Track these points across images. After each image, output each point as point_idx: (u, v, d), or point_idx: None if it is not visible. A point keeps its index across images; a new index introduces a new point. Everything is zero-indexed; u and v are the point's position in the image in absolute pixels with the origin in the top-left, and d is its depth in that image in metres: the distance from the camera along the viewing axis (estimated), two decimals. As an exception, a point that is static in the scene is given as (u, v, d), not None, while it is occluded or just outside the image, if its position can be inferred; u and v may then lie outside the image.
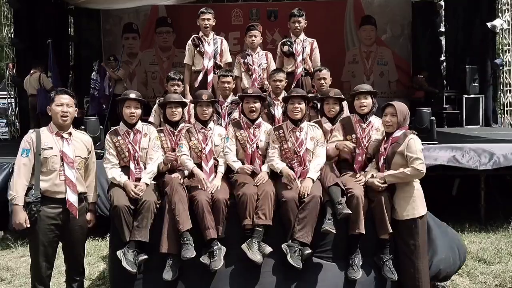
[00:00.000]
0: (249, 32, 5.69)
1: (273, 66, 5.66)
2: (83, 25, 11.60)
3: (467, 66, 10.20)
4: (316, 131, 4.26)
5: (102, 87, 8.35)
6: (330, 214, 3.92)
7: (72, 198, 3.60)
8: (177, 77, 5.21)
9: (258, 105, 4.29)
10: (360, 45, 11.98)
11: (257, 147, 4.25)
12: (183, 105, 4.45)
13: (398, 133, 3.94)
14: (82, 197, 3.74)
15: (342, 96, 4.59)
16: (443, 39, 12.08)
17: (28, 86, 8.54)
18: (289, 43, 5.69)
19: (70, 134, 3.72)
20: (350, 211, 3.83)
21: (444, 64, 12.07)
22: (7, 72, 9.82)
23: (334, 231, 3.83)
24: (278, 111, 5.06)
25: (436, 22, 11.86)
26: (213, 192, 3.99)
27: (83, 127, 6.36)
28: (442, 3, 11.53)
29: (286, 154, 4.16)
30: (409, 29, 11.92)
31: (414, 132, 3.97)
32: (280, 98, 5.08)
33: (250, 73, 5.61)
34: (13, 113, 9.92)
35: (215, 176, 4.15)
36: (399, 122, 3.94)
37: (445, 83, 11.87)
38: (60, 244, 3.76)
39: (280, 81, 5.12)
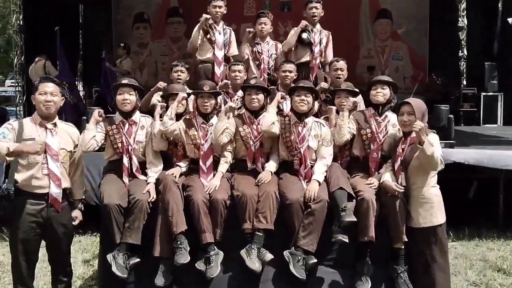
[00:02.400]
0: (258, 20, 5.26)
1: (282, 57, 5.21)
2: (94, 14, 11.26)
3: (486, 63, 9.64)
4: (322, 129, 3.83)
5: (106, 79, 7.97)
6: (338, 220, 3.50)
7: (56, 192, 3.25)
8: (181, 63, 4.80)
9: (261, 96, 3.87)
10: (375, 39, 11.43)
11: (261, 145, 3.82)
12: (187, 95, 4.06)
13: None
14: (67, 192, 3.38)
15: (355, 89, 4.15)
16: (461, 34, 11.46)
17: (33, 75, 8.22)
18: (308, 31, 5.20)
19: (55, 125, 3.34)
20: (354, 219, 3.43)
21: (463, 60, 11.48)
22: (16, 59, 9.50)
23: (347, 241, 3.42)
24: (287, 106, 4.58)
25: (455, 17, 11.27)
26: (211, 192, 3.59)
27: (85, 117, 6.01)
28: (463, -3, 10.91)
29: (287, 143, 3.76)
30: (426, 23, 11.32)
31: (433, 131, 3.52)
32: (288, 91, 4.66)
33: (258, 62, 5.17)
34: (20, 101, 9.61)
35: (214, 175, 3.74)
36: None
37: (463, 80, 11.29)
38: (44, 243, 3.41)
39: (290, 72, 4.69)
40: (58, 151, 3.28)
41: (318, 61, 5.18)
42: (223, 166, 3.80)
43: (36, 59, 8.30)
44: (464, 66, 11.52)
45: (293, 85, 4.52)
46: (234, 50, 5.29)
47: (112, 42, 10.84)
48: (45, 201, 3.22)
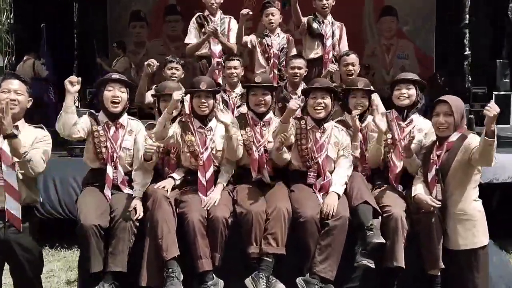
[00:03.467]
0: (265, 11, 4.52)
1: (293, 51, 4.51)
2: (89, 13, 10.57)
3: (497, 61, 8.95)
4: (343, 136, 3.18)
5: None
6: (362, 241, 2.84)
7: (13, 208, 2.62)
8: (176, 59, 4.14)
9: (268, 98, 3.19)
10: (379, 37, 10.77)
11: (266, 151, 3.14)
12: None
13: (454, 137, 2.85)
14: (32, 209, 2.75)
15: (372, 88, 3.49)
16: (467, 32, 10.78)
17: (21, 74, 7.53)
18: (318, 22, 4.51)
19: (17, 128, 2.69)
20: (383, 240, 2.77)
21: (469, 59, 10.80)
22: (6, 59, 8.82)
23: (373, 266, 2.76)
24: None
25: (461, 14, 10.61)
26: (209, 208, 2.93)
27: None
28: (469, -7, 10.25)
29: (303, 151, 3.11)
30: (432, 21, 10.67)
31: (474, 132, 2.87)
32: (298, 91, 3.99)
33: (267, 56, 4.46)
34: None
35: (214, 189, 3.08)
36: (456, 122, 2.84)
37: (468, 78, 10.62)
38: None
39: (299, 68, 3.99)
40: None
41: (331, 55, 4.48)
42: (224, 177, 3.14)
43: (25, 58, 7.63)
44: (471, 64, 10.86)
45: (305, 85, 3.90)
46: (233, 38, 4.53)
47: (107, 41, 10.20)
48: (2, 219, 2.59)
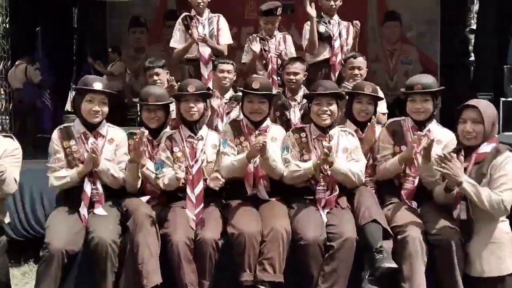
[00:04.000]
0: (265, 18, 4.02)
1: (291, 53, 4.07)
2: (88, 18, 10.20)
3: (505, 66, 8.50)
4: (350, 139, 2.77)
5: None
6: (370, 265, 2.43)
7: None
8: (158, 64, 3.71)
9: (265, 106, 2.78)
10: (382, 42, 10.35)
11: (262, 156, 2.68)
12: (165, 105, 2.92)
13: (485, 148, 2.42)
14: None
15: (381, 95, 3.07)
16: (472, 37, 10.36)
17: (13, 79, 7.17)
18: (324, 23, 4.04)
19: None
20: (395, 265, 2.37)
21: (474, 64, 10.37)
22: (1, 65, 8.44)
23: None
24: (294, 115, 3.54)
25: (467, 19, 10.19)
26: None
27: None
28: (475, -3, 9.85)
29: None
30: (437, 26, 10.22)
31: (509, 147, 2.45)
32: (298, 97, 3.58)
33: (264, 62, 4.00)
34: (5, 110, 8.53)
35: (204, 207, 2.65)
36: (486, 131, 2.42)
37: (474, 84, 10.18)
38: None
39: (295, 74, 3.54)
40: None
41: (339, 57, 4.04)
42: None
43: (17, 62, 7.25)
44: (476, 70, 10.42)
45: (306, 90, 3.49)
46: (224, 39, 4.05)
47: (107, 46, 9.84)
48: None
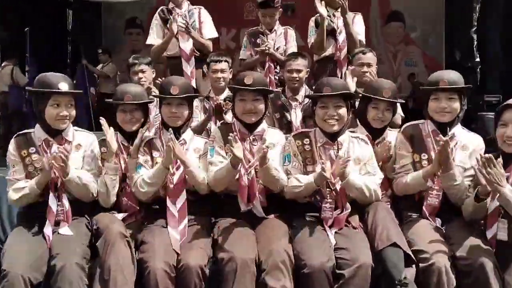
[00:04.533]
0: (263, 11, 3.61)
1: (293, 49, 3.60)
2: (83, 20, 9.79)
3: (514, 66, 8.03)
4: (363, 148, 2.30)
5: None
6: (389, 296, 1.97)
7: None
8: (143, 61, 3.26)
9: (261, 105, 2.31)
10: (385, 43, 9.93)
11: (261, 165, 2.21)
12: (144, 105, 2.48)
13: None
14: None
15: (400, 100, 2.60)
16: (475, 37, 9.91)
17: (-3, 81, 6.74)
18: (328, 16, 3.52)
19: None
20: None
21: (479, 66, 9.92)
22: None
23: None
24: (296, 117, 3.09)
25: (472, 19, 9.74)
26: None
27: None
28: (479, -3, 9.40)
29: None
30: (441, 26, 9.81)
31: None
32: (299, 96, 3.13)
33: (262, 59, 3.54)
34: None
35: (187, 223, 2.20)
36: None
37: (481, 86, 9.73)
38: None
39: (299, 71, 3.09)
40: None
41: (345, 51, 3.56)
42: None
43: (3, 64, 6.83)
44: (481, 71, 9.98)
45: (307, 89, 3.05)
46: (208, 33, 3.56)
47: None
48: None
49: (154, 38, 3.53)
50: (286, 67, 3.14)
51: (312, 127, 2.45)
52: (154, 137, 2.36)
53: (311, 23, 3.69)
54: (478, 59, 9.95)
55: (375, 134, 2.43)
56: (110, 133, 2.30)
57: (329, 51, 3.58)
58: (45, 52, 7.81)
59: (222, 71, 3.12)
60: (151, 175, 2.20)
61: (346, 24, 3.45)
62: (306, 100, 3.06)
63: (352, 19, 3.59)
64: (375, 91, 2.44)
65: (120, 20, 9.80)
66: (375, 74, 3.08)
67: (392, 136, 2.43)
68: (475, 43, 9.94)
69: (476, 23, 9.71)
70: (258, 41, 3.56)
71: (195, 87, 3.37)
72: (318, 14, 3.64)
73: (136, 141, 2.31)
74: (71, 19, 10.07)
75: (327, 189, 2.19)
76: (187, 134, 2.35)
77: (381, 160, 2.34)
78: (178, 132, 2.30)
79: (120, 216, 2.24)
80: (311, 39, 3.59)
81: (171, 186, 2.20)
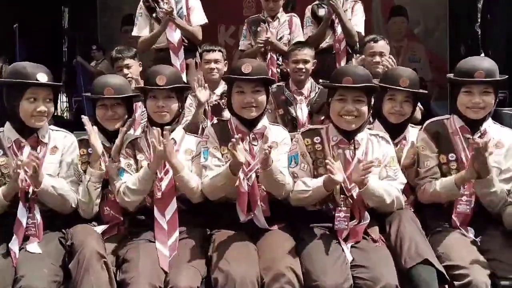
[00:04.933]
0: None
1: (298, 38, 3.22)
2: (79, 18, 9.48)
3: (521, 61, 7.68)
4: (384, 148, 1.95)
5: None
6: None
7: None
8: (128, 54, 2.87)
9: (261, 97, 1.95)
10: (388, 39, 9.51)
11: (263, 168, 1.85)
12: (128, 100, 2.12)
13: None
14: None
15: (422, 90, 2.20)
16: (479, 31, 9.57)
17: (-16, 81, 6.37)
18: (324, 5, 3.22)
19: None
20: None
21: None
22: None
23: None
24: (302, 112, 2.73)
25: (475, 12, 9.40)
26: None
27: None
28: (484, -9, 9.05)
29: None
30: (445, 21, 9.45)
31: None
32: (305, 90, 2.78)
33: (262, 49, 3.19)
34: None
35: (177, 240, 1.85)
36: None
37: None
38: None
39: (305, 62, 2.75)
40: None
41: (345, 43, 3.24)
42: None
43: (-9, 61, 6.46)
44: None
45: (313, 82, 2.72)
46: (197, 19, 3.17)
47: (98, 46, 9.09)
48: None
49: (140, 29, 3.15)
50: (291, 57, 2.78)
51: (320, 124, 2.11)
52: (138, 136, 2.01)
53: (307, 12, 3.36)
54: (483, 54, 9.61)
55: (394, 132, 2.07)
56: (94, 134, 1.96)
57: (326, 42, 3.24)
58: (37, 50, 7.50)
59: (216, 61, 2.80)
60: (135, 181, 1.86)
61: (340, 21, 3.14)
62: (313, 94, 2.72)
63: (351, 7, 3.26)
64: (391, 80, 2.08)
65: (116, 18, 9.50)
66: (394, 63, 2.73)
67: (413, 134, 2.09)
68: (480, 37, 9.63)
69: (480, 17, 9.40)
70: (259, 29, 3.22)
71: (185, 81, 3.03)
72: (315, 3, 3.32)
73: (117, 141, 1.96)
74: (66, 17, 9.78)
75: (341, 195, 1.84)
76: (177, 133, 2.00)
77: (405, 163, 1.98)
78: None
79: (100, 229, 1.89)
80: (307, 30, 3.28)
81: (159, 193, 1.86)
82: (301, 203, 1.88)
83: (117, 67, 2.89)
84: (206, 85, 2.60)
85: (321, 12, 3.27)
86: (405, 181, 1.92)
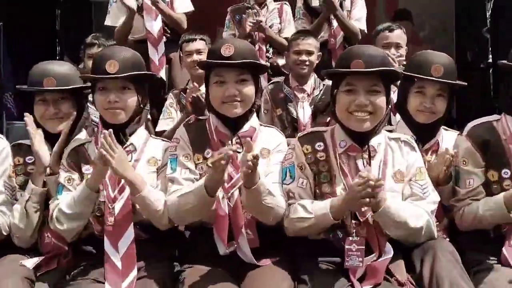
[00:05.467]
0: None
1: (289, 28, 2.82)
2: (72, 20, 9.07)
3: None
4: (408, 155, 1.44)
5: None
6: None
7: None
8: (105, 43, 2.49)
9: (248, 90, 1.44)
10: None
11: (246, 187, 1.34)
12: (77, 94, 1.60)
13: None
14: None
15: (460, 81, 1.65)
16: (488, 37, 9.14)
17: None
18: None
19: None
20: None
21: (492, 67, 9.13)
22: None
23: None
24: (304, 112, 2.26)
25: (484, 16, 9.00)
26: None
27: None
28: (492, -6, 8.63)
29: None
30: (452, 24, 9.03)
31: None
32: (308, 86, 2.33)
33: (250, 40, 2.65)
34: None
35: (138, 277, 1.36)
36: None
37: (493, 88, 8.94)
38: None
39: (309, 53, 2.31)
40: None
41: (341, 37, 2.77)
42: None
43: (-26, 63, 6.00)
44: (493, 73, 9.20)
45: (316, 78, 2.29)
46: (181, 6, 2.73)
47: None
48: None
49: (113, 17, 2.74)
50: (293, 47, 2.35)
51: (326, 125, 1.64)
52: (86, 141, 1.52)
53: (299, 2, 2.92)
54: (491, 60, 9.18)
55: (422, 135, 1.58)
56: (38, 137, 1.49)
57: (322, 36, 2.79)
58: (26, 51, 7.08)
59: (198, 51, 2.34)
60: (71, 203, 1.37)
61: (339, 22, 2.73)
62: (317, 91, 2.27)
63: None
64: (420, 68, 1.57)
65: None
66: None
67: (449, 139, 1.61)
68: (489, 42, 9.21)
69: (489, 22, 8.98)
70: (244, 17, 2.78)
71: (164, 78, 2.59)
72: None
73: (55, 148, 1.48)
74: (59, 19, 9.40)
75: (353, 221, 1.35)
76: (138, 136, 1.50)
77: (437, 178, 1.49)
78: (122, 133, 1.45)
79: (31, 262, 1.40)
80: (298, 22, 2.87)
81: (111, 219, 1.36)
82: (299, 233, 1.39)
83: (88, 56, 2.51)
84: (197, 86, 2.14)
85: (315, 2, 2.82)
86: (437, 199, 1.43)
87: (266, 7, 2.84)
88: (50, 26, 9.36)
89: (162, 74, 2.63)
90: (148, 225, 1.41)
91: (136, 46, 2.73)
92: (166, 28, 2.71)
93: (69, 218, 1.37)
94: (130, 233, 1.37)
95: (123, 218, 1.37)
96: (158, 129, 2.30)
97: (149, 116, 2.22)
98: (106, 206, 1.37)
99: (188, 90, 2.20)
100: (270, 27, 2.80)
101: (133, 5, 2.56)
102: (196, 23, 3.11)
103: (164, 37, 2.68)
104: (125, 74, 1.41)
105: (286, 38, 2.77)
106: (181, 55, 2.45)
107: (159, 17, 2.65)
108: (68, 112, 1.55)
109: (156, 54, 2.63)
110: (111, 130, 1.36)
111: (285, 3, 2.92)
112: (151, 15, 2.63)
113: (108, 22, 2.79)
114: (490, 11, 8.89)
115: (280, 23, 2.84)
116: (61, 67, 1.62)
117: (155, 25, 2.64)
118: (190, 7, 2.80)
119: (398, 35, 2.37)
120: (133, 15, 2.59)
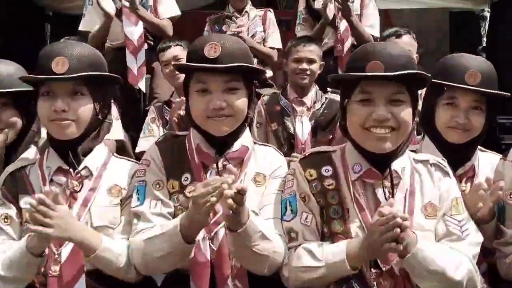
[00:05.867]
0: None
1: (274, 37, 2.59)
2: (62, 35, 8.82)
3: (532, 85, 7.04)
4: (442, 182, 1.11)
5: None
6: None
7: None
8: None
9: (239, 101, 1.09)
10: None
11: (230, 229, 1.01)
12: (23, 98, 1.26)
13: None
14: None
15: (502, 92, 1.29)
16: (484, 55, 9.03)
17: None
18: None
19: None
20: None
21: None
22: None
23: None
24: (302, 127, 1.96)
25: (476, 36, 8.96)
26: None
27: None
28: (487, 14, 8.60)
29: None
30: (446, 44, 8.96)
31: None
32: (308, 99, 2.05)
33: None
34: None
35: None
36: None
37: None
38: None
39: (311, 62, 2.05)
40: None
41: (349, 43, 2.50)
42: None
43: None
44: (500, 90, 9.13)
45: (317, 89, 2.03)
46: (166, 11, 2.48)
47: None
48: None
49: (88, 21, 2.45)
50: (292, 55, 2.08)
51: (328, 144, 1.33)
52: (29, 164, 1.16)
53: (300, 6, 2.67)
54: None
55: (455, 157, 1.26)
56: None
57: (326, 43, 2.52)
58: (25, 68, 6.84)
59: (176, 58, 2.04)
60: (7, 264, 1.01)
61: (352, 28, 2.49)
62: (318, 105, 1.97)
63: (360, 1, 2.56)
64: (451, 74, 1.25)
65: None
66: None
67: (486, 161, 1.30)
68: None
69: (484, 41, 8.93)
70: (224, 28, 2.51)
71: (143, 89, 2.30)
72: None
73: None
74: (49, 34, 9.18)
75: (374, 271, 1.02)
76: (95, 157, 1.14)
77: (474, 214, 1.17)
78: (73, 154, 1.11)
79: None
80: (299, 28, 2.63)
81: (56, 268, 1.02)
82: (304, 286, 1.05)
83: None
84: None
85: (318, 4, 2.57)
86: (480, 240, 1.10)
87: (247, 14, 2.58)
88: (39, 40, 9.13)
89: (142, 85, 2.34)
90: (105, 274, 1.06)
91: (115, 53, 2.45)
92: (148, 34, 2.43)
93: (4, 281, 1.01)
94: (81, 283, 1.02)
95: (72, 266, 1.02)
96: (138, 150, 1.99)
97: (126, 137, 1.93)
98: (50, 250, 1.02)
99: (173, 106, 1.90)
100: (253, 36, 2.54)
101: (111, 9, 2.28)
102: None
103: (145, 44, 2.40)
104: (77, 75, 1.06)
105: (271, 48, 2.55)
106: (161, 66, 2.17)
107: (141, 22, 2.37)
108: (8, 122, 1.22)
109: (135, 63, 2.36)
110: (53, 188, 1.02)
111: (269, 10, 2.68)
112: (131, 20, 2.36)
113: (82, 27, 2.49)
114: (485, 31, 8.81)
115: (264, 31, 2.58)
116: (5, 67, 1.29)
117: (135, 31, 2.38)
118: (176, 12, 2.54)
119: (406, 41, 2.21)
120: (111, 21, 2.31)
